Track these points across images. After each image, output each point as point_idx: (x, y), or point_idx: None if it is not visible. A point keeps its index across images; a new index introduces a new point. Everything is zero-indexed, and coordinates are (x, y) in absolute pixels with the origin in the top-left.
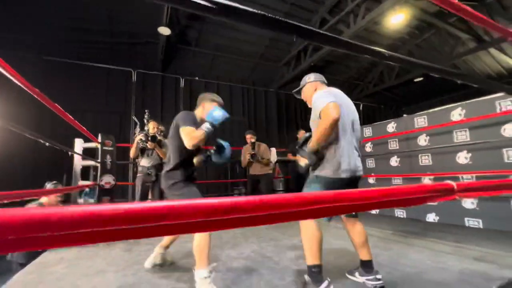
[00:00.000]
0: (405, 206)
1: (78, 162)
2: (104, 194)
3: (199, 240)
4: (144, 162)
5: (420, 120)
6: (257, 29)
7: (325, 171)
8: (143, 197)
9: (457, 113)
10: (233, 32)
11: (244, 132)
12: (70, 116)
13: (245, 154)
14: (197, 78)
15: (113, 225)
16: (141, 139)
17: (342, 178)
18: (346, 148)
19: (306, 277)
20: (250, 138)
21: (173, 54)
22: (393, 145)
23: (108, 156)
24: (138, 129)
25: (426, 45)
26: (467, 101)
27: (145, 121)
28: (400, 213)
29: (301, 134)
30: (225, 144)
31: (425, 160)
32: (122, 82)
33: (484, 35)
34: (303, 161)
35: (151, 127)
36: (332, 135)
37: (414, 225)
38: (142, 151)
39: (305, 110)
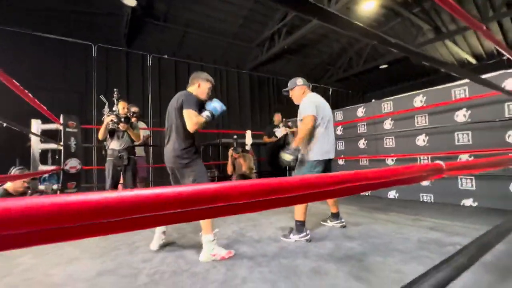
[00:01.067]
0: (405, 184)
1: (37, 146)
2: (69, 179)
3: None
4: (114, 144)
5: (387, 105)
6: (230, 6)
7: (313, 155)
8: (114, 182)
9: (419, 99)
10: (205, 8)
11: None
12: (29, 94)
13: (229, 166)
14: (166, 56)
15: (169, 208)
16: (112, 121)
17: (327, 159)
18: (328, 137)
19: (294, 228)
20: (234, 155)
21: (139, 29)
22: (362, 128)
23: (72, 139)
24: (107, 109)
25: (392, 33)
26: (428, 89)
27: (115, 100)
28: (366, 193)
29: (277, 117)
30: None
31: (389, 142)
32: (82, 58)
33: (442, 27)
34: (288, 157)
35: (121, 107)
36: (316, 131)
37: (378, 201)
38: (112, 133)
39: (278, 93)
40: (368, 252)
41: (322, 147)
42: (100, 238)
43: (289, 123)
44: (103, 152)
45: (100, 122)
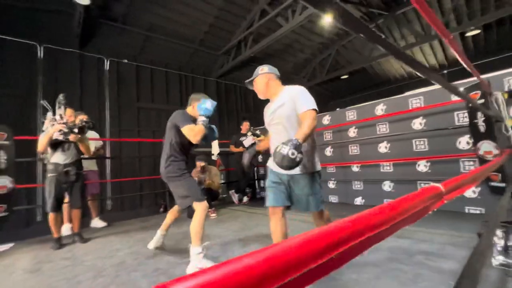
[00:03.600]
0: (413, 222)
1: None
2: None
3: (196, 221)
4: (57, 158)
5: (351, 114)
6: (195, 12)
7: (319, 165)
8: (58, 202)
9: (380, 108)
10: (169, 12)
11: None
12: None
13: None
14: (125, 60)
15: None
16: (61, 130)
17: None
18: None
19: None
20: (199, 164)
21: (94, 30)
22: (328, 136)
23: (1, 153)
24: (50, 116)
25: (351, 46)
26: (388, 98)
27: (59, 106)
28: (333, 198)
29: (245, 126)
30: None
31: (354, 149)
32: (24, 59)
33: (399, 41)
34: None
35: (68, 114)
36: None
37: (346, 208)
38: (55, 145)
39: (245, 101)
40: (342, 268)
41: (317, 156)
42: (28, 275)
43: (258, 131)
44: (43, 168)
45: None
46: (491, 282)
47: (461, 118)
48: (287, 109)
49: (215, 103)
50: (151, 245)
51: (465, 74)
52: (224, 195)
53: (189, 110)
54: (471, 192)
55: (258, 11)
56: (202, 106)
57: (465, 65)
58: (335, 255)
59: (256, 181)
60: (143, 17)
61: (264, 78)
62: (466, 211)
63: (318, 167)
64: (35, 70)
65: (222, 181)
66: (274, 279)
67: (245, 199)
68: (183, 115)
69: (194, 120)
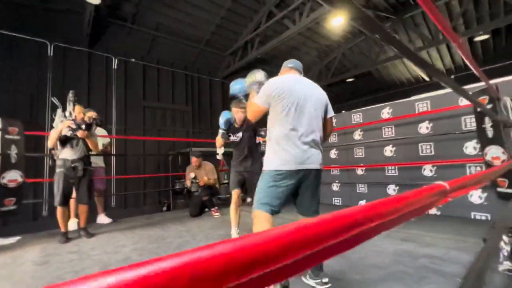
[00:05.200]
0: (418, 215)
1: None
2: (7, 195)
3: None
4: (66, 154)
5: (356, 117)
6: (202, 13)
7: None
8: (66, 197)
9: (386, 111)
10: (176, 13)
11: (186, 121)
12: None
13: (189, 174)
14: (133, 60)
15: None
16: (69, 127)
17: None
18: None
19: None
20: (195, 161)
21: (103, 30)
22: (333, 139)
23: (13, 147)
24: (60, 113)
25: (357, 50)
26: (394, 101)
27: (69, 103)
28: (337, 201)
29: None
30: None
31: (359, 152)
32: (35, 56)
33: (407, 45)
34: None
35: (77, 111)
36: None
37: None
38: (64, 141)
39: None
40: (345, 269)
41: (287, 151)
42: (37, 267)
43: (262, 132)
44: (50, 163)
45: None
46: (496, 287)
47: (468, 123)
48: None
49: (226, 117)
50: None
51: (472, 80)
52: (227, 195)
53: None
54: (477, 198)
55: (265, 12)
56: (220, 119)
57: (473, 69)
58: (348, 236)
59: None
60: (151, 17)
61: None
62: (472, 217)
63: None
64: (45, 68)
65: (225, 181)
66: (297, 250)
67: (249, 199)
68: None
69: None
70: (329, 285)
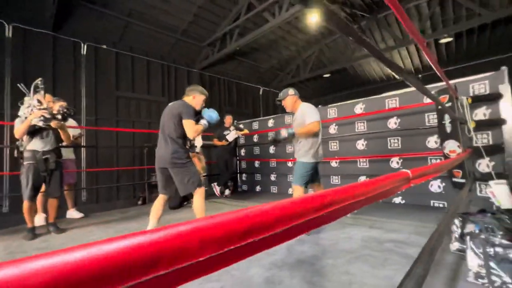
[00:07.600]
0: (382, 198)
1: None
2: None
3: (199, 205)
4: (35, 145)
5: (332, 111)
6: (178, 1)
7: (309, 158)
8: (36, 191)
9: (359, 107)
10: None
11: (162, 112)
12: None
13: None
14: (104, 46)
15: None
16: (43, 116)
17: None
18: (320, 144)
19: None
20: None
21: (70, 11)
22: None
23: None
24: (28, 101)
25: (334, 46)
26: (367, 98)
27: (38, 91)
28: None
29: (228, 120)
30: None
31: (334, 146)
32: None
33: (379, 43)
34: (284, 133)
35: (47, 100)
36: (318, 136)
37: None
38: (33, 132)
39: (229, 94)
40: (318, 254)
41: (318, 151)
42: None
43: (241, 125)
44: (15, 154)
45: (15, 117)
46: (448, 264)
47: (431, 119)
48: (300, 121)
49: (219, 118)
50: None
51: (437, 79)
52: (206, 188)
53: (189, 100)
54: (436, 187)
55: (245, 4)
56: (210, 113)
57: (435, 69)
58: (325, 213)
59: (238, 175)
60: (123, 1)
61: (292, 99)
62: (432, 204)
63: (305, 159)
64: (3, 51)
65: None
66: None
67: (227, 192)
68: (188, 108)
69: (195, 113)
70: None
